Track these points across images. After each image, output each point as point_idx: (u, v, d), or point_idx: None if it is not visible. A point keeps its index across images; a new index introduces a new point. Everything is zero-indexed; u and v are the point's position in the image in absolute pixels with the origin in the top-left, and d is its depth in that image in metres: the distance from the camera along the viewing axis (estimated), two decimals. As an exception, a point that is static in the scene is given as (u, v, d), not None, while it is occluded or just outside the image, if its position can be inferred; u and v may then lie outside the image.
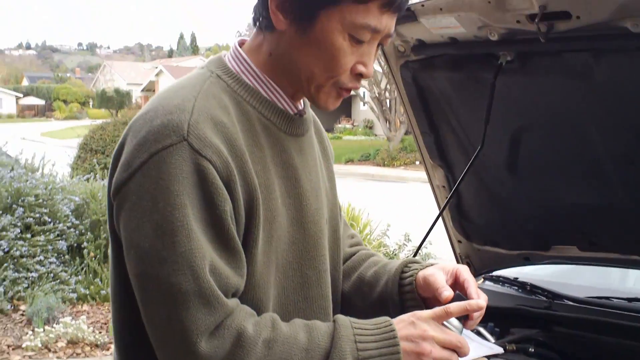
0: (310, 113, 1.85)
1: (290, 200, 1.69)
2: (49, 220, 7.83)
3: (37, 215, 7.72)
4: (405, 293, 1.87)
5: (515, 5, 2.38)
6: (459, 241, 3.46)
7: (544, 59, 2.58)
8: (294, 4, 1.56)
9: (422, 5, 2.57)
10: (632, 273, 3.62)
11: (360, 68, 1.63)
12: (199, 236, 1.44)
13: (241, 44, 1.73)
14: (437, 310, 1.65)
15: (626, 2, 2.18)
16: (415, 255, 3.50)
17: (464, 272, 1.81)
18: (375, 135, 39.45)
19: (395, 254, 8.43)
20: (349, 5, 1.53)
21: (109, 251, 1.69)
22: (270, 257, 1.63)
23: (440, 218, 3.24)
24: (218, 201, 1.46)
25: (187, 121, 1.46)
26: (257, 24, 1.67)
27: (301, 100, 1.78)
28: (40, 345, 6.35)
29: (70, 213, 8.15)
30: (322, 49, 1.58)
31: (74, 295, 7.51)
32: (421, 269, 1.87)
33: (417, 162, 27.23)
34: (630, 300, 3.04)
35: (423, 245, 3.35)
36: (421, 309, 1.72)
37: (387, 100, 30.17)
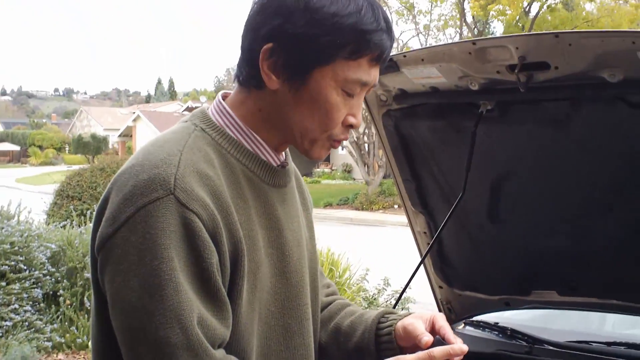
0: (292, 164, 1.88)
1: (272, 251, 1.70)
2: (25, 268, 7.73)
3: (13, 263, 7.61)
4: (382, 343, 1.90)
5: (495, 57, 2.45)
6: (440, 286, 3.47)
7: (524, 107, 2.63)
8: (287, 64, 1.59)
9: (404, 56, 2.62)
10: (611, 317, 3.64)
11: (351, 120, 1.68)
12: (186, 289, 1.44)
13: (224, 97, 1.76)
14: (421, 354, 1.67)
15: (602, 54, 2.25)
16: (397, 301, 3.52)
17: (440, 319, 1.85)
18: (354, 179, 39.52)
19: (374, 299, 8.42)
20: (341, 62, 1.58)
21: (91, 304, 1.67)
22: (254, 307, 1.64)
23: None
24: (205, 254, 1.47)
25: (173, 175, 1.48)
26: (241, 80, 1.70)
27: (283, 152, 1.81)
28: (15, 395, 6.25)
29: (46, 260, 8.05)
30: (316, 105, 1.62)
31: (49, 344, 7.39)
32: (399, 319, 1.91)
33: (396, 206, 27.28)
34: (609, 344, 3.06)
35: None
36: None
37: (366, 145, 30.30)
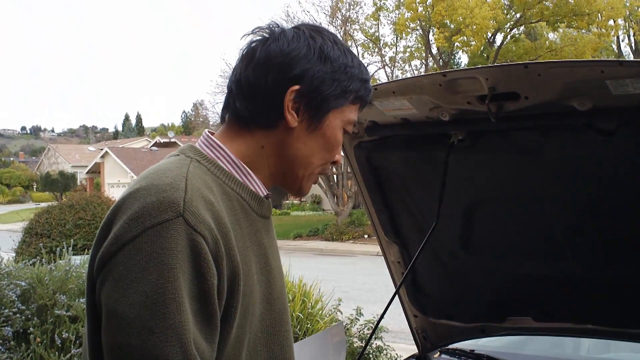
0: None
1: (262, 278, 1.75)
2: (-5, 306, 7.62)
3: (-18, 302, 7.51)
4: None
5: (465, 88, 2.49)
6: (415, 315, 3.48)
7: (495, 137, 2.68)
8: (311, 105, 1.74)
9: (376, 89, 2.65)
10: (586, 341, 3.68)
11: (337, 156, 1.86)
12: (187, 309, 1.46)
13: (211, 133, 1.82)
14: None
15: (572, 83, 2.30)
16: (373, 332, 3.52)
17: None
18: (323, 210, 39.55)
19: (347, 329, 8.39)
20: (348, 105, 1.80)
21: (85, 335, 1.66)
22: (244, 332, 1.67)
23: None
24: (208, 276, 1.50)
25: (182, 198, 1.51)
26: (241, 117, 1.77)
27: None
28: None
29: (16, 298, 7.92)
30: (325, 142, 1.80)
31: (21, 383, 7.28)
32: None
33: (366, 236, 27.34)
34: (585, 368, 3.10)
35: (375, 319, 3.38)
36: None
37: (335, 176, 30.39)
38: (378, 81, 30.48)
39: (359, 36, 33.06)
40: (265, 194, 1.83)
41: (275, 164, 1.80)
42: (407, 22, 31.16)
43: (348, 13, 32.46)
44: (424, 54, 33.14)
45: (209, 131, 1.82)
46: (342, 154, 1.90)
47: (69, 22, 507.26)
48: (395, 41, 33.59)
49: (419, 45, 33.57)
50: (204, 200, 1.55)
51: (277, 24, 1.78)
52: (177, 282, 1.44)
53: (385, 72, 32.95)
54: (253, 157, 1.78)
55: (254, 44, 1.75)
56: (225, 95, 1.84)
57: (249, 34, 1.78)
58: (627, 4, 32.33)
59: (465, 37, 29.91)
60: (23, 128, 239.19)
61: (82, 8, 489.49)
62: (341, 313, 8.80)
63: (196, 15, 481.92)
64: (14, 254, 13.24)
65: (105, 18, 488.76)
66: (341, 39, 1.84)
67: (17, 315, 7.74)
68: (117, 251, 1.48)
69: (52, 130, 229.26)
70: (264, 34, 1.76)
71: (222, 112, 1.83)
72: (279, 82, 1.71)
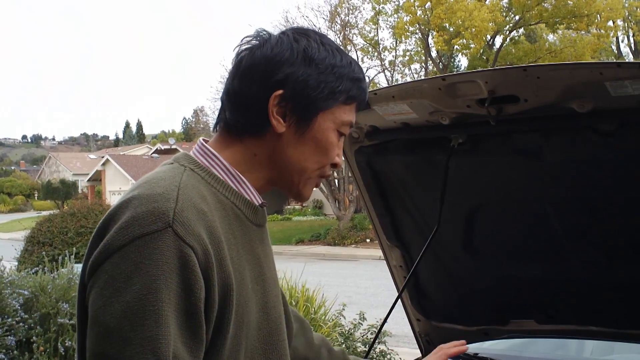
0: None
1: (257, 287, 1.74)
2: (-2, 316, 7.61)
3: (-14, 311, 7.50)
4: None
5: (465, 92, 2.50)
6: (418, 319, 3.48)
7: (495, 140, 2.69)
8: (296, 109, 1.72)
9: (375, 94, 2.66)
10: (590, 342, 3.67)
11: (337, 159, 1.83)
12: (168, 322, 1.45)
13: (206, 142, 1.82)
14: None
15: (571, 85, 2.30)
16: (376, 336, 3.51)
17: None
18: (325, 215, 39.55)
19: (350, 334, 8.38)
20: (339, 107, 1.76)
21: (76, 345, 1.66)
22: (240, 342, 1.65)
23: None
24: (195, 288, 1.49)
25: (172, 209, 1.51)
26: (231, 127, 1.77)
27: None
28: None
29: (19, 307, 7.92)
30: (317, 145, 1.77)
31: (25, 392, 7.27)
32: None
33: (368, 240, 27.32)
34: (589, 370, 3.09)
35: (378, 323, 3.38)
36: None
37: (336, 180, 30.40)
38: (378, 85, 30.53)
39: (358, 40, 33.12)
40: (260, 202, 1.82)
41: (269, 171, 1.79)
42: (406, 26, 31.19)
43: (347, 18, 32.52)
44: (423, 58, 33.15)
45: (203, 139, 1.82)
46: (342, 157, 1.88)
47: (69, 22, 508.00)
48: (394, 45, 33.62)
49: (419, 48, 33.59)
50: (196, 210, 1.55)
51: (265, 31, 1.77)
52: (160, 294, 1.44)
53: (385, 76, 32.98)
54: (247, 165, 1.77)
55: (242, 54, 1.75)
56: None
57: (238, 45, 1.77)
58: (626, 5, 32.38)
59: (464, 40, 29.96)
60: (24, 137, 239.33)
61: (82, 8, 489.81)
62: (344, 318, 8.79)
63: (196, 15, 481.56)
64: (16, 263, 13.24)
65: (105, 18, 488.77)
66: (340, 43, 1.81)
67: (20, 324, 7.73)
68: (105, 259, 1.48)
69: (53, 139, 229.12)
70: (253, 42, 1.75)
71: (216, 121, 1.82)
72: (263, 88, 1.70)
